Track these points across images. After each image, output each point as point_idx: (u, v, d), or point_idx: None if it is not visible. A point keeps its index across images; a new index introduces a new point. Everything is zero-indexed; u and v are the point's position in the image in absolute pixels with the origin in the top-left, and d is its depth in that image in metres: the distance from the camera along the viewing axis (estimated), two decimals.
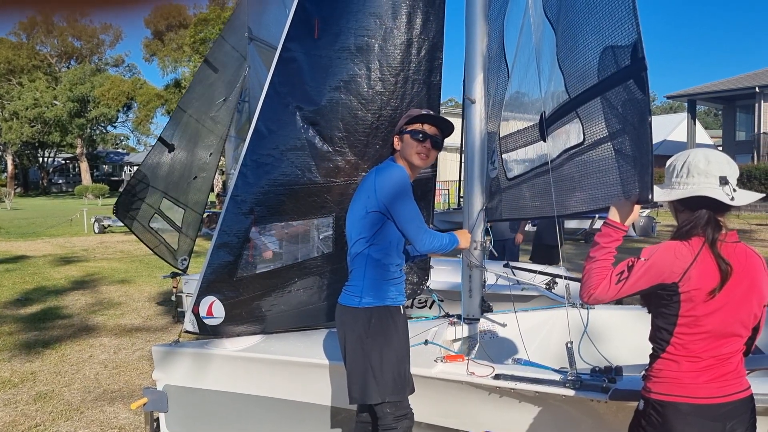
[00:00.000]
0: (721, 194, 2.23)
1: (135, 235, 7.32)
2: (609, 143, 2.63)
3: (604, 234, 2.39)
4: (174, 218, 7.17)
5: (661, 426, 2.26)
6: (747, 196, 2.27)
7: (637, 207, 2.42)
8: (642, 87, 2.40)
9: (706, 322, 2.22)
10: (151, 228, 7.19)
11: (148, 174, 7.06)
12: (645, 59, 2.38)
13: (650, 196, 2.31)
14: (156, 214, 7.25)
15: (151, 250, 7.35)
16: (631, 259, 2.28)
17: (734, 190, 2.25)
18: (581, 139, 2.85)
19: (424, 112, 3.28)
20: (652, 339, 2.38)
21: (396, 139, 3.27)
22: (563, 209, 3.03)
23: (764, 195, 2.60)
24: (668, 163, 2.40)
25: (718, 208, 2.26)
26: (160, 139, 7.16)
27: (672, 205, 2.38)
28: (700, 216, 2.25)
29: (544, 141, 3.19)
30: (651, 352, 2.38)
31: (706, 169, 2.27)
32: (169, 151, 7.09)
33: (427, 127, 3.22)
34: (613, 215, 2.42)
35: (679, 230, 2.30)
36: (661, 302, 2.28)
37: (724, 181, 2.25)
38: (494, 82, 3.74)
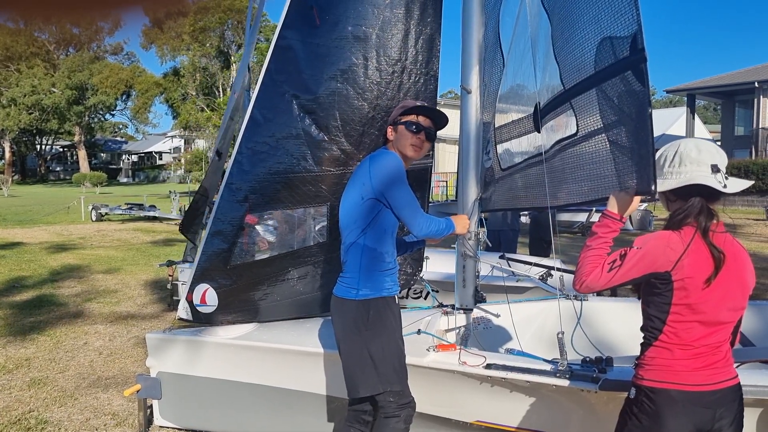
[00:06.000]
0: (714, 182, 2.26)
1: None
2: (603, 135, 2.63)
3: (601, 224, 2.41)
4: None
5: (653, 412, 2.27)
6: (738, 184, 2.30)
7: (636, 199, 2.43)
8: (641, 79, 2.39)
9: (698, 310, 2.24)
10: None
11: (207, 186, 6.91)
12: (645, 50, 2.37)
13: (653, 188, 2.31)
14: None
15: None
16: (624, 249, 2.30)
17: (726, 178, 2.29)
18: (574, 131, 2.85)
19: (418, 103, 3.28)
20: (644, 328, 2.39)
21: (390, 129, 3.27)
22: (556, 200, 3.03)
23: (753, 182, 2.63)
24: (658, 153, 2.41)
25: (710, 196, 2.28)
26: (216, 152, 6.96)
27: (664, 196, 2.40)
28: (694, 204, 2.28)
29: (538, 132, 3.19)
30: (642, 341, 2.40)
31: (698, 158, 2.30)
32: (219, 159, 6.90)
33: (421, 119, 3.22)
34: (612, 206, 2.43)
35: (672, 219, 2.32)
36: (653, 291, 2.30)
37: (715, 169, 2.29)
38: (490, 72, 3.73)
